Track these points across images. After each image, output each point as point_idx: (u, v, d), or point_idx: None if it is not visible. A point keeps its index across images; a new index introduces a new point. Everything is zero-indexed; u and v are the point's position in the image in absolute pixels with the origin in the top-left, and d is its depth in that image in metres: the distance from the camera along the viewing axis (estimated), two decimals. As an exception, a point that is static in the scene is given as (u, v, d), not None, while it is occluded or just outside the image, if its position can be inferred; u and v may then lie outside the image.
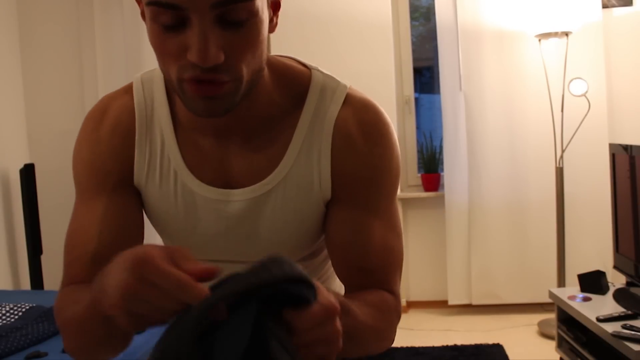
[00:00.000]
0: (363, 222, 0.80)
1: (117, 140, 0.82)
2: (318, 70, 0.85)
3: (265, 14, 0.71)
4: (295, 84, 0.83)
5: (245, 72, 0.70)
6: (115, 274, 0.56)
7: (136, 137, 0.82)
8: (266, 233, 0.82)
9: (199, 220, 0.83)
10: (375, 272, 0.81)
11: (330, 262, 0.91)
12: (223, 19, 0.66)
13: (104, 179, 0.81)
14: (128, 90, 0.85)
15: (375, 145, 0.81)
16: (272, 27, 0.76)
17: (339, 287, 0.90)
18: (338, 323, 0.59)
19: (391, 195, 0.84)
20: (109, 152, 0.81)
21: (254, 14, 0.68)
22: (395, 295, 0.83)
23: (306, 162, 0.80)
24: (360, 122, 0.81)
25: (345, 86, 0.83)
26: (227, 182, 0.82)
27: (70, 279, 0.81)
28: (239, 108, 0.75)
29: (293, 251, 0.85)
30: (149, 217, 0.88)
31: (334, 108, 0.81)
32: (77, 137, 0.85)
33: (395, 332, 0.83)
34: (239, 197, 0.81)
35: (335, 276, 0.89)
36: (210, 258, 0.87)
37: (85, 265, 0.79)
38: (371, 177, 0.81)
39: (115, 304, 0.56)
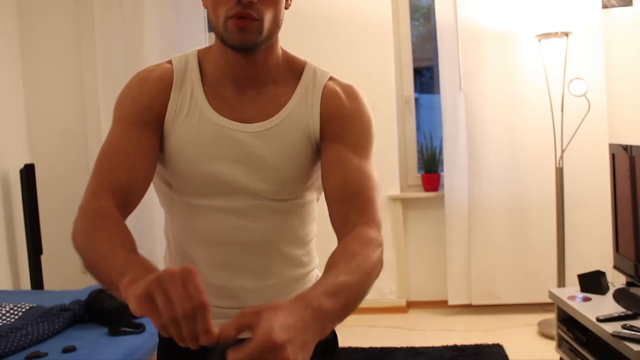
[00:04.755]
0: (343, 155, 1.05)
1: (162, 84, 1.10)
2: (309, 62, 1.15)
3: None
4: (294, 64, 1.14)
5: (266, 19, 1.01)
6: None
7: (173, 86, 1.10)
8: (273, 161, 1.06)
9: (216, 145, 1.07)
10: (355, 197, 1.01)
11: (313, 208, 1.17)
12: None
13: (145, 112, 1.06)
14: (169, 62, 1.14)
15: (352, 100, 1.11)
16: (287, 5, 1.05)
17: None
18: (287, 352, 0.67)
19: (365, 141, 1.08)
20: (154, 92, 1.09)
21: None
22: (377, 224, 1.00)
23: (303, 109, 1.10)
24: (341, 86, 1.12)
25: (329, 73, 1.14)
26: (242, 120, 1.08)
27: (105, 184, 1.00)
28: (256, 61, 1.06)
29: (294, 182, 1.09)
30: (168, 157, 1.08)
31: (323, 80, 1.13)
32: (126, 84, 1.11)
33: (382, 260, 0.96)
34: (252, 129, 1.07)
35: (315, 224, 1.17)
36: (222, 189, 1.07)
37: (121, 174, 1.00)
38: (349, 117, 1.09)
39: (139, 290, 0.70)
